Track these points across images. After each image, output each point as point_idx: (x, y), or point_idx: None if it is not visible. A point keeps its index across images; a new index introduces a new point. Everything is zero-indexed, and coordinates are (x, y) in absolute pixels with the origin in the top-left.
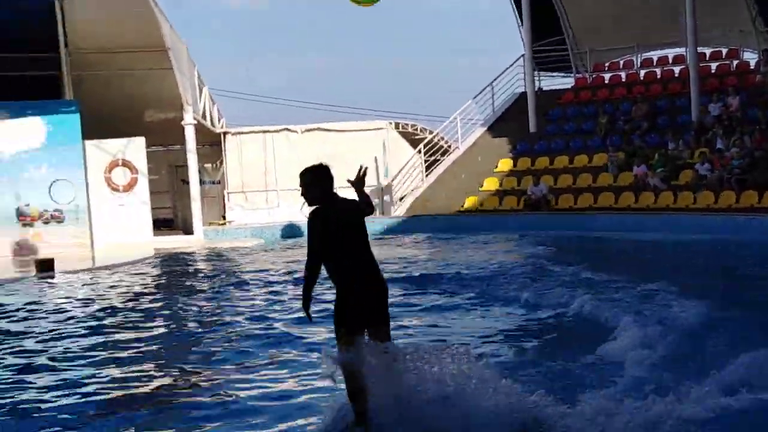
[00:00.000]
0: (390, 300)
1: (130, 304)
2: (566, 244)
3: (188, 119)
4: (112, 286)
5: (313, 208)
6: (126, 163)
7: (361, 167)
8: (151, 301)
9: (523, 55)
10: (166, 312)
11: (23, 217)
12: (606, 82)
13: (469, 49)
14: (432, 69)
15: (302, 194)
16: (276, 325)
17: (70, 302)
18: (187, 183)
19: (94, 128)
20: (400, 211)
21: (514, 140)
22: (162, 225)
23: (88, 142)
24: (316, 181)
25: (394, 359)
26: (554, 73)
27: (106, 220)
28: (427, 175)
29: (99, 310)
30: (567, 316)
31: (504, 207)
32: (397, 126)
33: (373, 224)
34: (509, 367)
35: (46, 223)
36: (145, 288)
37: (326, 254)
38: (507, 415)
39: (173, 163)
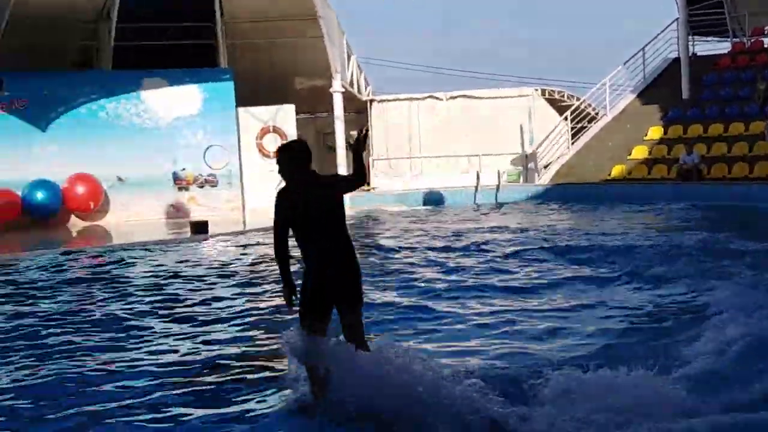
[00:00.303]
0: (536, 268)
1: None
2: (718, 216)
3: (336, 87)
4: (262, 249)
5: (284, 185)
6: (276, 130)
7: (361, 129)
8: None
9: (677, 19)
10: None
11: (179, 181)
12: (766, 46)
13: (618, 14)
14: (580, 35)
15: (279, 171)
16: (437, 292)
17: (222, 263)
18: (334, 149)
19: (247, 95)
20: (544, 179)
21: (666, 107)
22: None
23: (240, 109)
24: (296, 158)
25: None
26: (709, 38)
27: (256, 185)
28: (573, 143)
29: (249, 272)
30: (704, 294)
31: (653, 176)
32: (543, 93)
33: (517, 192)
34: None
35: (200, 187)
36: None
37: (300, 233)
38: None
39: (320, 130)
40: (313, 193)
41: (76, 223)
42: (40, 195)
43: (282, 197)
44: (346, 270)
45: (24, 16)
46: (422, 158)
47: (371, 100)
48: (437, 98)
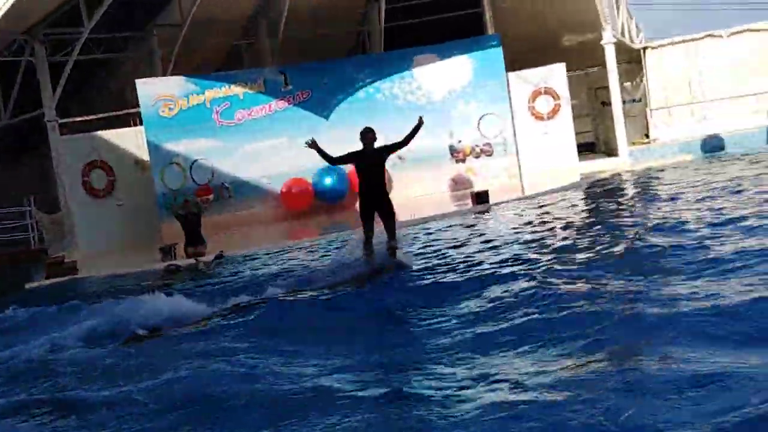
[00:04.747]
0: None
1: (559, 233)
2: None
3: (607, 38)
4: (543, 215)
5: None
6: (548, 91)
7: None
8: (582, 229)
9: None
10: (606, 238)
11: (456, 154)
12: None
13: None
14: None
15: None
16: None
17: (503, 232)
18: (608, 104)
19: (514, 59)
20: None
21: None
22: (584, 149)
23: (511, 74)
24: (364, 136)
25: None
26: None
27: (531, 150)
28: None
29: (529, 239)
30: None
31: None
32: None
33: None
34: None
35: (476, 157)
36: (577, 215)
37: (361, 175)
38: None
39: (592, 86)
40: (370, 157)
41: None
42: (328, 180)
43: (355, 153)
44: (381, 199)
45: (303, 8)
46: (705, 102)
47: (645, 48)
48: (716, 36)
